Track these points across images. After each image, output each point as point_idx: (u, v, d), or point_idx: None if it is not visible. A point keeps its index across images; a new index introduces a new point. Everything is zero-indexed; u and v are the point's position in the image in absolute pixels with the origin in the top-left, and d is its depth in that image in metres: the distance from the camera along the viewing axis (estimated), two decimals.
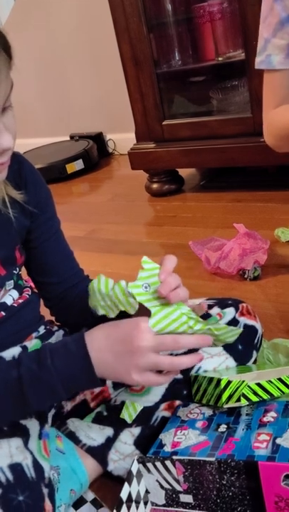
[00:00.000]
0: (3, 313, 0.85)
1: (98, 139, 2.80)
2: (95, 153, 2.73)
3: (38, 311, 0.95)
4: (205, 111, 2.00)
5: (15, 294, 0.88)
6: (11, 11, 2.82)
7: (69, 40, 2.72)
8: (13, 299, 0.88)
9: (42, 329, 0.93)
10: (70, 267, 0.94)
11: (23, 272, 0.94)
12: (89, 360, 0.69)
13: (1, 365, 0.73)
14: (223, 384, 0.78)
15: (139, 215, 2.04)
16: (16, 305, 0.87)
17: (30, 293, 0.91)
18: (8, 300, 0.87)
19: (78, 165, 2.65)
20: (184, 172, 2.17)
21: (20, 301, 0.88)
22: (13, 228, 0.83)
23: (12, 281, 0.87)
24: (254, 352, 0.94)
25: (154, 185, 2.12)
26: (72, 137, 2.91)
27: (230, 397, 0.77)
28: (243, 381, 0.78)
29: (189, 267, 1.50)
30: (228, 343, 0.77)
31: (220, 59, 1.87)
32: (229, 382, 0.78)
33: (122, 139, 2.67)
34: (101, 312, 0.72)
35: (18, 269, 0.87)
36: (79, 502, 0.82)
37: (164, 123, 1.96)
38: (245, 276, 1.36)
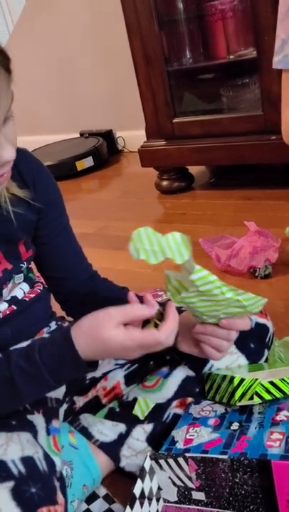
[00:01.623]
0: (14, 307, 0.85)
1: (108, 136, 2.80)
2: (105, 150, 2.73)
3: (50, 306, 0.96)
4: (216, 108, 1.99)
5: (25, 287, 0.89)
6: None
7: (79, 37, 2.72)
8: (24, 293, 0.88)
9: (53, 325, 0.94)
10: (80, 262, 0.95)
11: (34, 267, 0.94)
12: (74, 348, 0.70)
13: None
14: (236, 382, 0.78)
15: (149, 212, 2.03)
16: (27, 299, 0.88)
17: (41, 288, 0.92)
18: (19, 293, 0.87)
19: (88, 162, 2.65)
20: (193, 170, 2.17)
21: (31, 295, 0.89)
22: (14, 223, 0.83)
23: (22, 274, 0.88)
24: (266, 350, 0.94)
25: (164, 183, 2.12)
26: (82, 134, 2.91)
27: (243, 395, 0.78)
28: (256, 379, 0.78)
29: (199, 264, 1.50)
30: (254, 312, 0.79)
31: (231, 57, 1.87)
32: (242, 380, 0.78)
33: (132, 136, 2.66)
34: (142, 256, 0.71)
35: (26, 263, 0.88)
36: (91, 497, 0.83)
37: (174, 120, 1.96)
38: (256, 274, 1.36)
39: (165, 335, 0.71)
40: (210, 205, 1.93)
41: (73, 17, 2.69)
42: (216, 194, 2.02)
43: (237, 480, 0.70)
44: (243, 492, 0.70)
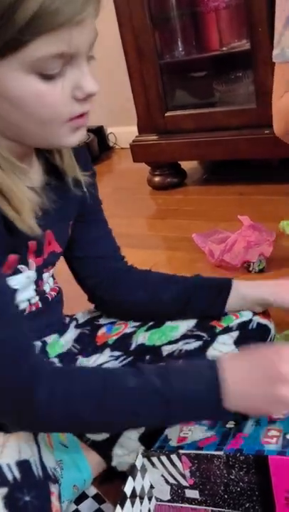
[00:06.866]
0: (39, 305, 0.82)
1: (99, 132, 2.77)
2: (96, 146, 2.71)
3: (62, 312, 0.93)
4: (209, 102, 1.97)
5: (51, 282, 0.86)
6: None
7: None
8: (50, 288, 0.85)
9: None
10: (114, 243, 0.93)
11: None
12: (218, 384, 0.63)
13: (117, 371, 0.69)
14: None
15: (141, 208, 2.01)
16: (49, 297, 0.84)
17: (57, 292, 0.88)
18: (47, 288, 0.84)
19: None
20: (186, 165, 2.15)
21: (52, 293, 0.86)
22: (72, 204, 0.81)
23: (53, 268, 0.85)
24: None
25: (156, 179, 2.10)
26: None
27: None
28: None
29: (192, 260, 1.48)
30: None
31: (224, 49, 1.85)
32: None
33: (124, 132, 2.64)
34: None
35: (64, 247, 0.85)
36: (80, 497, 0.80)
37: (166, 114, 1.93)
38: (250, 268, 1.34)
39: None
40: (203, 201, 1.92)
41: None
42: (209, 190, 2.00)
43: (232, 477, 0.67)
44: (238, 489, 0.67)
